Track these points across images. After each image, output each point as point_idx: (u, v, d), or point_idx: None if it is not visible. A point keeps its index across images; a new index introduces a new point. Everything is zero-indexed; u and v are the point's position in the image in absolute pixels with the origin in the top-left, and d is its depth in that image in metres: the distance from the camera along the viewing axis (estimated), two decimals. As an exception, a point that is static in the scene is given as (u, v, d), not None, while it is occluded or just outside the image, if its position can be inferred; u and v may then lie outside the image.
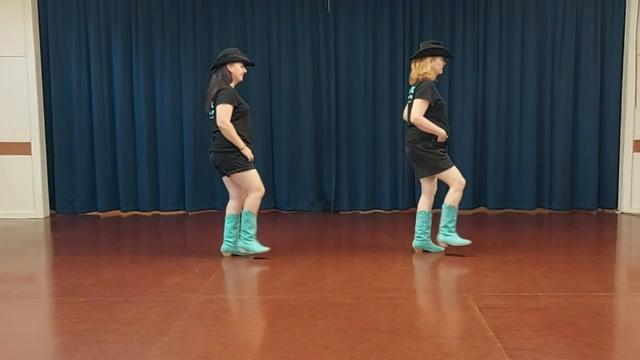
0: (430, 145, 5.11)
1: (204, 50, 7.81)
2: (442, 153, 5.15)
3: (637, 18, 7.67)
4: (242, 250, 5.20)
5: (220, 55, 5.17)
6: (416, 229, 5.33)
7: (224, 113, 4.92)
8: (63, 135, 7.76)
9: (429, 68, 5.13)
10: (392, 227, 7.15)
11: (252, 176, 5.06)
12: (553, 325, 3.47)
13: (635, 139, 7.80)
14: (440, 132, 5.07)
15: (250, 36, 7.82)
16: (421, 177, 5.28)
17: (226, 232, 5.26)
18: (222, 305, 3.98)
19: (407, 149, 5.29)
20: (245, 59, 5.17)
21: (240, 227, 5.21)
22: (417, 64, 5.17)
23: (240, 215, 5.18)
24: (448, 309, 3.99)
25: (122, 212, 7.92)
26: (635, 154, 7.81)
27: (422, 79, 5.11)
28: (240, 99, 5.07)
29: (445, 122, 5.17)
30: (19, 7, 7.42)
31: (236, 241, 5.23)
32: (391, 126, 7.90)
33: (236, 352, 3.11)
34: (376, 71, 7.89)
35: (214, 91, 5.02)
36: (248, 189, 5.09)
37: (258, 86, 7.75)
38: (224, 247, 5.27)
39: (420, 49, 5.17)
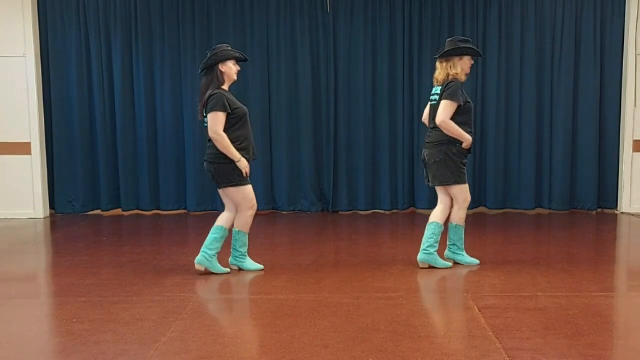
0: (454, 151, 4.65)
1: (203, 49, 7.77)
2: (462, 165, 4.70)
3: (637, 18, 7.67)
4: (235, 268, 4.80)
5: (209, 55, 4.59)
6: (424, 240, 4.82)
7: (215, 122, 4.42)
8: (63, 135, 7.76)
9: (460, 69, 4.68)
10: (392, 227, 7.14)
11: (247, 192, 4.58)
12: (552, 326, 3.48)
13: (635, 139, 7.78)
14: (467, 139, 4.64)
15: (250, 36, 7.82)
16: (434, 185, 4.81)
17: (207, 242, 4.67)
18: (222, 305, 3.98)
19: (425, 152, 4.80)
20: (237, 55, 4.64)
21: (217, 242, 4.71)
22: (445, 63, 4.69)
23: (229, 230, 4.72)
24: (448, 309, 3.99)
25: (123, 211, 7.93)
26: (635, 154, 7.80)
27: (452, 79, 4.65)
28: (235, 102, 4.55)
29: (471, 127, 4.74)
30: (18, 7, 7.42)
31: (214, 255, 4.68)
32: (391, 126, 7.89)
33: (235, 352, 3.11)
34: (376, 71, 7.87)
35: (205, 97, 4.51)
36: (240, 206, 4.62)
37: (257, 86, 7.74)
38: (199, 258, 4.68)
39: (447, 48, 4.69)
